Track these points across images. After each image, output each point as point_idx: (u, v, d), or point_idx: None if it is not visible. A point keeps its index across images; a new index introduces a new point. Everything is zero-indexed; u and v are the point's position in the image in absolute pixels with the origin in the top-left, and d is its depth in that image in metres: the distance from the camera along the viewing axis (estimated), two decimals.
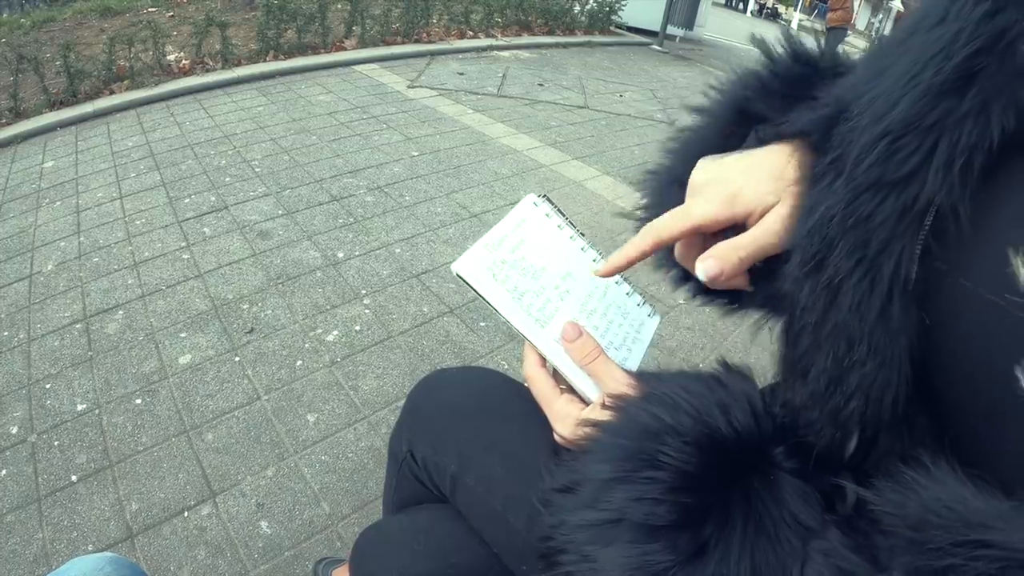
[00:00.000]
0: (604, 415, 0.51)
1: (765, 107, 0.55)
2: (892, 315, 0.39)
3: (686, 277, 0.62)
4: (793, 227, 0.47)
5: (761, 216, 0.49)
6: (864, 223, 0.39)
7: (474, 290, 0.60)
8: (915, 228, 0.38)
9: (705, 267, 0.49)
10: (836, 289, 0.41)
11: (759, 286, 0.52)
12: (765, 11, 31.71)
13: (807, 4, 34.68)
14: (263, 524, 1.62)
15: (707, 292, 0.61)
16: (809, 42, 0.59)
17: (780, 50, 0.57)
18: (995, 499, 0.32)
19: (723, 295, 0.60)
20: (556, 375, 0.62)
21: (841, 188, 0.41)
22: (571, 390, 0.61)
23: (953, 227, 0.37)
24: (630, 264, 0.57)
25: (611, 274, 0.58)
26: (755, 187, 0.49)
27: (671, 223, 0.53)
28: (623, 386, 0.54)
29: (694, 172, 0.55)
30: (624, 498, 0.44)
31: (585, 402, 0.59)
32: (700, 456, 0.44)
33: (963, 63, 0.36)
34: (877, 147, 0.39)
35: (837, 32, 9.35)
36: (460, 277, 0.61)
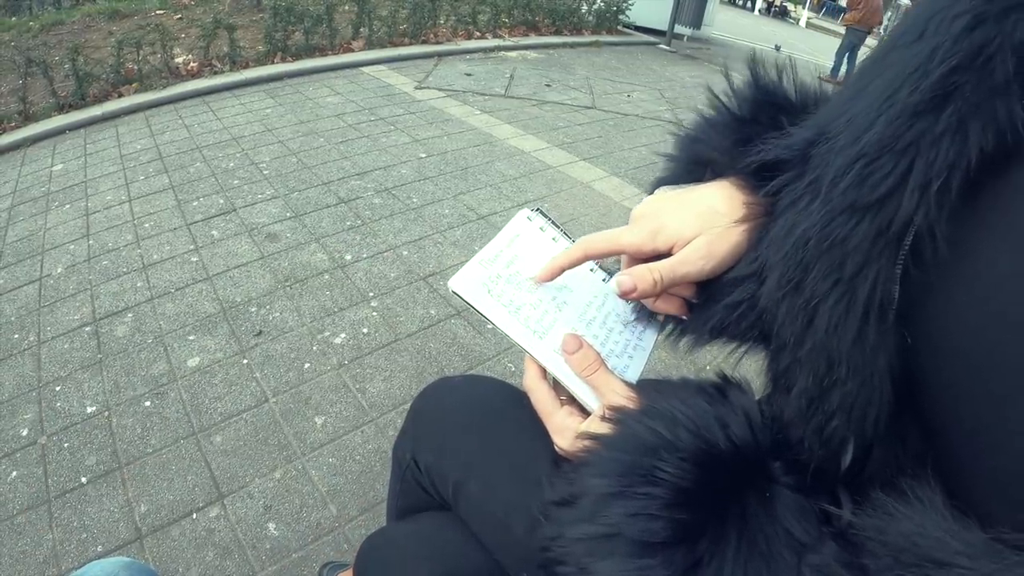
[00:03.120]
0: (603, 428, 0.51)
1: (715, 153, 0.58)
2: (868, 336, 0.39)
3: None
4: (752, 253, 0.50)
5: (682, 248, 0.55)
6: (840, 246, 0.39)
7: (471, 306, 0.61)
8: (893, 250, 0.38)
9: (619, 281, 0.55)
10: (813, 311, 0.41)
11: (698, 316, 0.58)
12: (773, 9, 31.56)
13: (816, 2, 34.53)
14: (271, 526, 1.62)
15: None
16: (777, 73, 0.61)
17: (738, 89, 0.60)
18: (969, 531, 0.32)
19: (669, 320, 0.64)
20: (557, 386, 0.62)
21: (817, 210, 0.41)
22: (572, 401, 0.61)
23: (930, 249, 0.37)
24: (561, 270, 0.61)
25: (547, 279, 0.62)
26: (679, 224, 0.55)
27: (602, 243, 0.59)
28: (622, 399, 0.54)
29: (641, 202, 0.61)
30: (620, 513, 0.44)
31: (587, 412, 0.59)
32: (697, 472, 0.44)
33: (939, 81, 0.35)
34: (852, 170, 0.39)
35: (854, 33, 9.24)
36: (456, 294, 0.61)
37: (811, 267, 0.41)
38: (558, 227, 0.68)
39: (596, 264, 0.68)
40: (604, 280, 0.67)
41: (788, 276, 0.43)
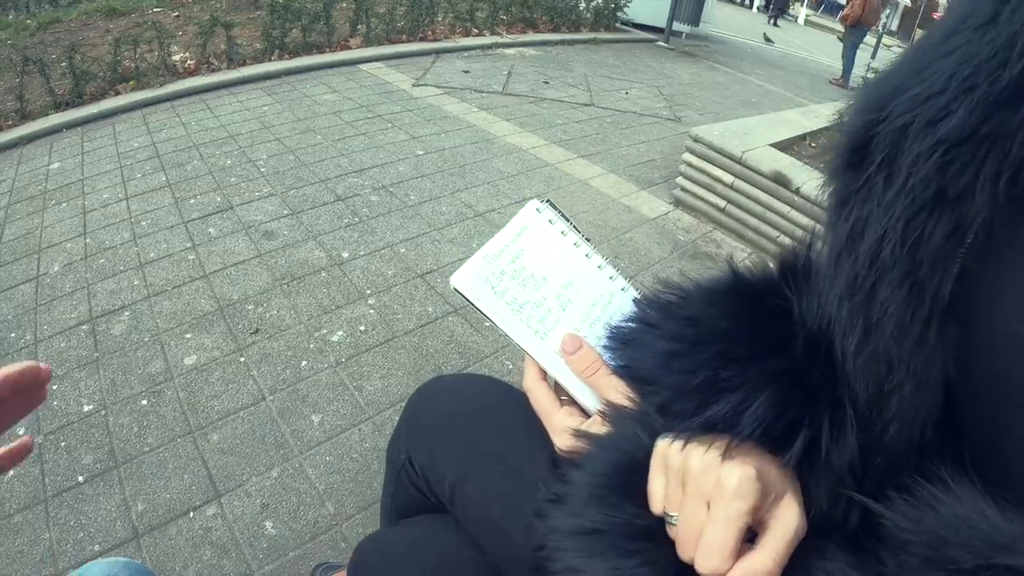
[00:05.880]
0: (600, 429, 0.51)
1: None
2: (929, 338, 0.38)
3: None
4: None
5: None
6: (923, 244, 0.37)
7: (472, 304, 0.60)
8: (956, 245, 0.37)
9: None
10: (882, 313, 0.39)
11: None
12: (772, 6, 31.46)
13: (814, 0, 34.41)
14: (268, 525, 1.62)
15: None
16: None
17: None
18: (1020, 519, 0.31)
19: None
20: (558, 387, 0.61)
21: (895, 203, 0.38)
22: (573, 402, 0.60)
23: (989, 243, 0.36)
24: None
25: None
26: None
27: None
28: (624, 399, 0.53)
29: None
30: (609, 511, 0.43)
31: (586, 414, 0.59)
32: None
33: (1021, 73, 0.34)
34: (931, 158, 0.37)
35: (856, 33, 9.18)
36: (458, 291, 0.60)
37: (889, 269, 0.39)
38: (568, 220, 0.67)
39: (605, 262, 0.66)
40: (611, 278, 0.66)
41: (863, 279, 0.40)
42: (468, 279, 0.60)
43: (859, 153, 0.42)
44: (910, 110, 0.38)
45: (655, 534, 0.42)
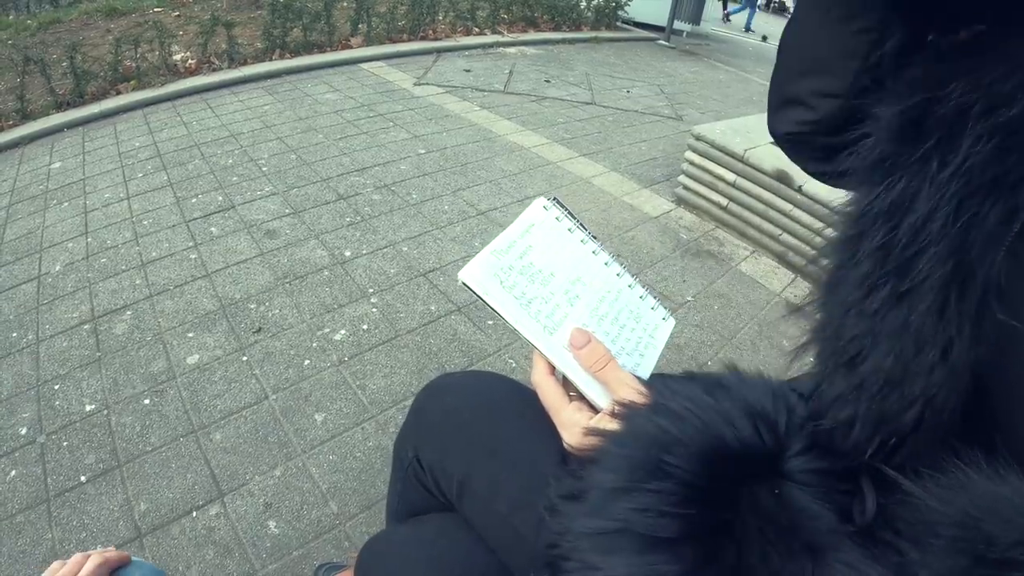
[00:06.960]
0: (612, 425, 0.50)
1: None
2: (984, 324, 0.37)
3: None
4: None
5: None
6: (976, 226, 0.37)
7: (480, 299, 0.59)
8: (1006, 232, 0.36)
9: None
10: (919, 287, 0.39)
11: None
12: (772, 4, 31.49)
13: None
14: (271, 524, 1.61)
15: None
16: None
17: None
18: None
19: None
20: (566, 382, 0.61)
21: (950, 182, 0.38)
22: (581, 397, 0.60)
23: None
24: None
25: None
26: None
27: None
28: (633, 394, 0.53)
29: None
30: (629, 508, 0.43)
31: (595, 409, 0.58)
32: (706, 468, 0.43)
33: None
34: (991, 142, 0.37)
35: None
36: (466, 285, 0.60)
37: (934, 244, 0.38)
38: (574, 218, 0.67)
39: (611, 259, 0.67)
40: (618, 275, 0.66)
41: (900, 251, 0.40)
42: (476, 274, 0.60)
43: (914, 128, 0.41)
44: (971, 91, 0.38)
45: (676, 531, 0.42)
